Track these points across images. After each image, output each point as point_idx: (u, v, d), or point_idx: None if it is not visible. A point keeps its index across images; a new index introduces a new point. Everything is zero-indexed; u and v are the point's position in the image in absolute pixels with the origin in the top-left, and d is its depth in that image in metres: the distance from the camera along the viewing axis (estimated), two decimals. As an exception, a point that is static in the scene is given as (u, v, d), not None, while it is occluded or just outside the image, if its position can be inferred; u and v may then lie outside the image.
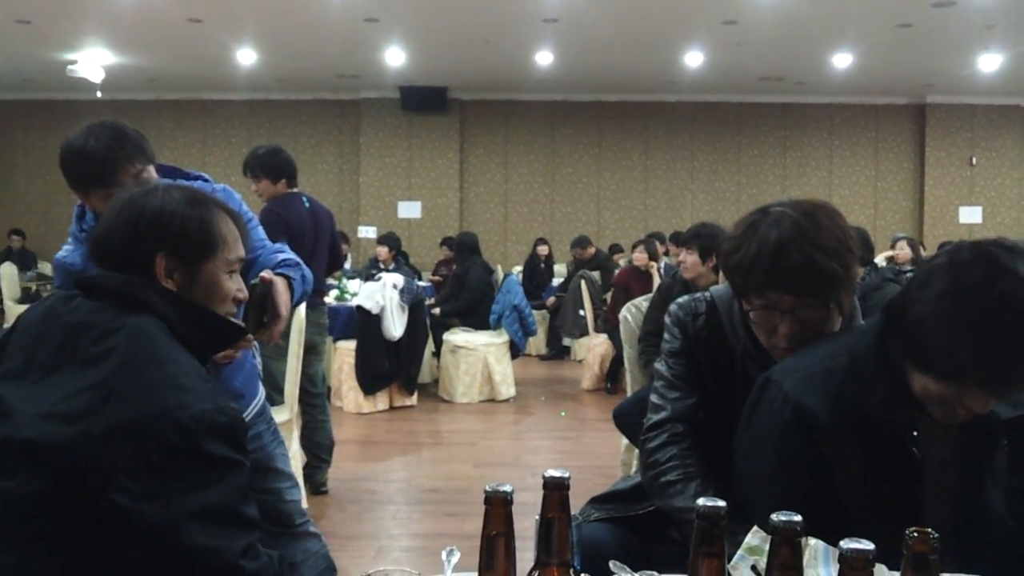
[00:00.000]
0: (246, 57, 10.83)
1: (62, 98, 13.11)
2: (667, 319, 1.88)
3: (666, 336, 1.88)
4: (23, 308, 8.59)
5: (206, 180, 2.40)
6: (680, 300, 1.89)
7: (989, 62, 10.75)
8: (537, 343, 10.04)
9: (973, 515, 1.44)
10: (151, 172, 2.26)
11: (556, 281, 10.91)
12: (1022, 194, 13.65)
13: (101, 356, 1.39)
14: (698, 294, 1.90)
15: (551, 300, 10.21)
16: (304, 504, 4.10)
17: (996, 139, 13.49)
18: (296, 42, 10.13)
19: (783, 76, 12.00)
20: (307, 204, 4.67)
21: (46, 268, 12.56)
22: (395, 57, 10.72)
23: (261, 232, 2.47)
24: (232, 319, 1.69)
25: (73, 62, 10.78)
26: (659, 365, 1.87)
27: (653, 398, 1.85)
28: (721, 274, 2.10)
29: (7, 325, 1.62)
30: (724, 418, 1.70)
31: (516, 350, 7.77)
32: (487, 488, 0.96)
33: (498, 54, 10.67)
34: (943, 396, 1.34)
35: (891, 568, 1.12)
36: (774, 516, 0.92)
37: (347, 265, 11.16)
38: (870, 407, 1.43)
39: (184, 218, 1.58)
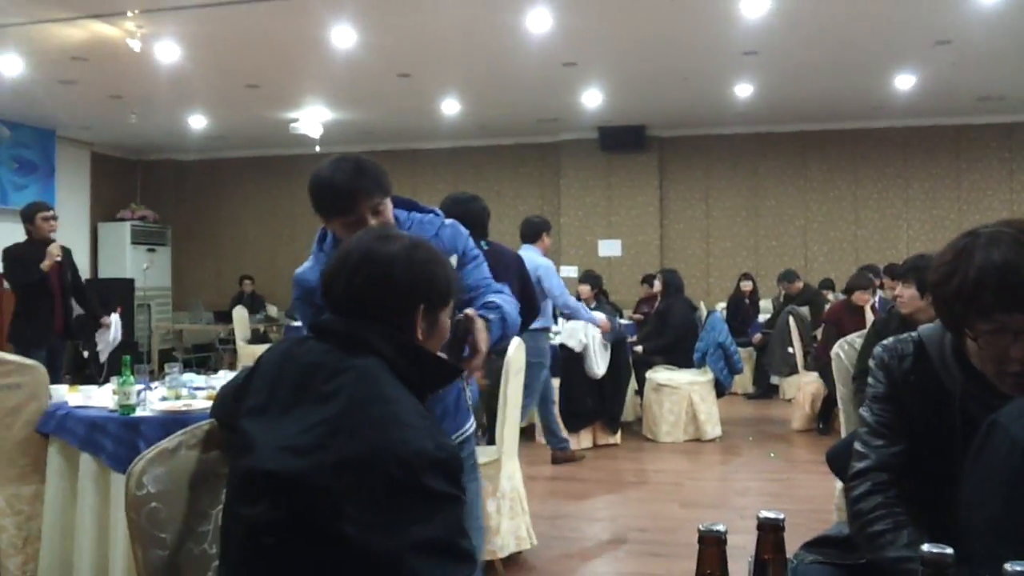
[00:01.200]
0: (450, 107, 11.34)
1: (285, 154, 14.22)
2: (871, 362, 1.80)
3: (870, 380, 1.79)
4: (254, 348, 9.24)
5: (437, 214, 2.56)
6: (885, 342, 1.80)
7: None
8: (743, 381, 9.80)
9: None
10: (387, 204, 2.42)
11: (762, 317, 10.61)
12: None
13: (331, 394, 1.51)
14: (904, 335, 1.81)
15: (758, 337, 9.95)
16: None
17: None
18: (497, 90, 10.51)
19: (1004, 95, 11.20)
20: (485, 246, 4.71)
21: (273, 311, 13.55)
22: (593, 99, 10.89)
23: (485, 270, 2.57)
24: (444, 357, 1.79)
25: (295, 120, 11.66)
26: (863, 411, 1.79)
27: (857, 445, 1.77)
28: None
29: (242, 364, 1.79)
30: (941, 465, 1.61)
31: (721, 388, 7.61)
32: (700, 527, 0.97)
33: (696, 90, 10.60)
34: None
35: None
36: (1008, 567, 0.88)
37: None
38: None
39: (436, 274, 1.71)
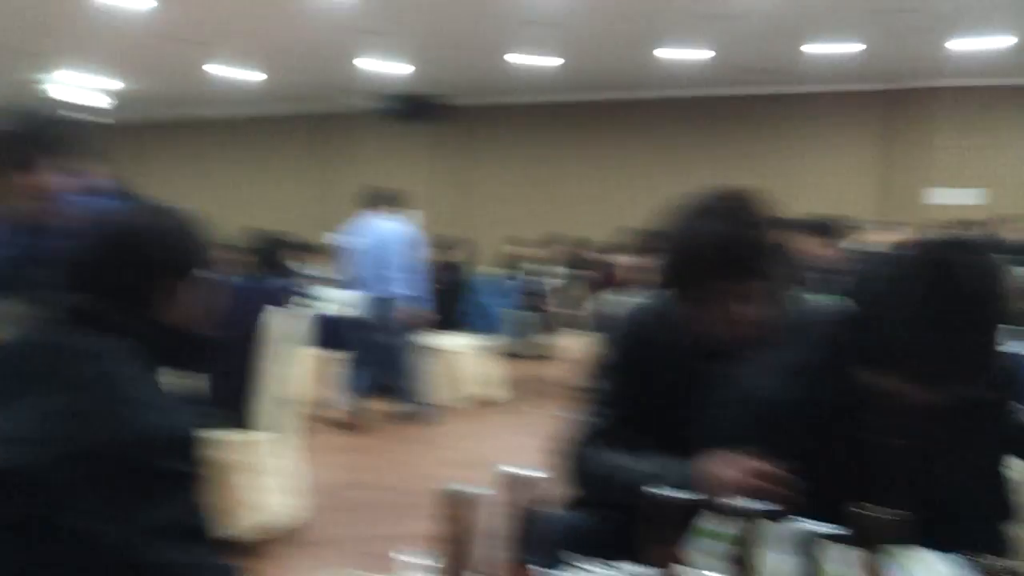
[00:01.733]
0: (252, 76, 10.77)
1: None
2: (600, 330, 1.87)
3: (601, 348, 1.84)
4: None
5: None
6: (614, 309, 1.86)
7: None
8: (526, 343, 9.97)
9: (931, 498, 1.46)
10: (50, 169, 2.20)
11: (552, 282, 10.82)
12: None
13: (63, 380, 1.40)
14: (631, 304, 1.87)
15: (545, 299, 10.14)
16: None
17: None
18: (283, 54, 10.08)
19: (767, 68, 11.93)
20: None
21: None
22: (390, 66, 10.64)
23: None
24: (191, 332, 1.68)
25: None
26: (593, 378, 1.83)
27: (582, 414, 1.80)
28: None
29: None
30: (674, 422, 1.68)
31: (509, 351, 7.74)
32: (446, 489, 0.97)
33: (494, 58, 10.58)
34: (901, 392, 1.38)
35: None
36: (741, 502, 0.94)
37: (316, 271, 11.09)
38: (838, 396, 1.46)
39: (177, 244, 1.59)
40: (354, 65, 10.65)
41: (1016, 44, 10.42)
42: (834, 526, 0.88)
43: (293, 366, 4.22)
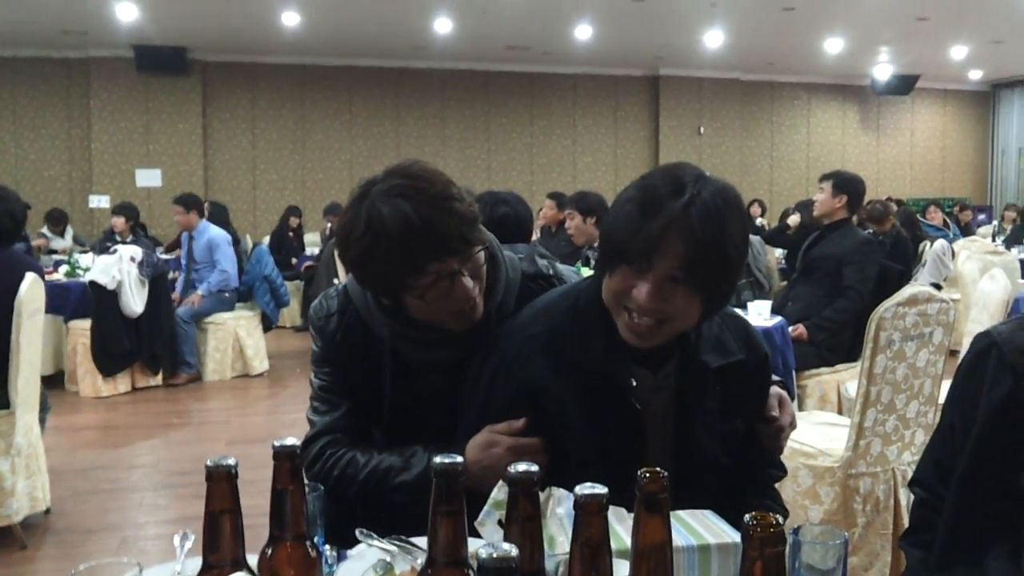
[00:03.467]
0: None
1: None
2: (310, 326, 1.77)
3: (312, 342, 1.77)
4: None
5: None
6: (316, 302, 1.75)
7: (713, 38, 11.56)
8: (291, 314, 9.76)
9: (690, 460, 1.52)
10: None
11: (311, 251, 10.63)
12: (743, 161, 14.86)
13: None
14: (332, 289, 1.76)
15: (308, 265, 9.91)
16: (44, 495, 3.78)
17: (720, 110, 14.58)
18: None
19: (529, 46, 12.30)
20: None
21: None
22: (127, 12, 9.91)
23: None
24: None
25: None
26: (311, 376, 1.76)
27: (308, 412, 1.74)
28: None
29: None
30: (380, 408, 1.67)
31: (269, 322, 7.52)
32: (208, 463, 0.89)
33: (241, 13, 10.16)
34: (619, 290, 1.40)
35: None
36: (511, 468, 0.92)
37: (68, 239, 10.32)
38: (589, 361, 1.47)
39: None
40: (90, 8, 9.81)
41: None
42: (605, 488, 0.88)
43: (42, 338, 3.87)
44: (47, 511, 3.98)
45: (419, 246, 1.46)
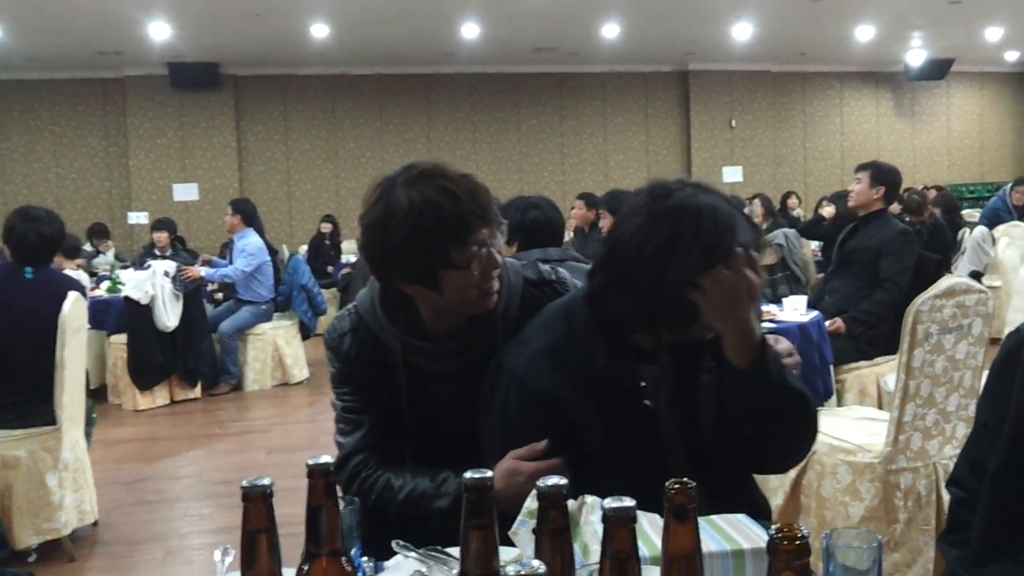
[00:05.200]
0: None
1: None
2: (326, 347, 1.80)
3: (329, 367, 1.80)
4: None
5: None
6: (329, 325, 1.79)
7: (741, 31, 11.47)
8: (328, 322, 9.80)
9: (700, 441, 1.54)
10: None
11: (347, 259, 10.70)
12: (776, 153, 14.74)
13: None
14: (343, 310, 1.79)
15: (345, 271, 9.96)
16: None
17: (751, 102, 14.46)
18: (46, 16, 9.31)
19: (557, 47, 12.30)
20: None
21: None
22: (159, 31, 10.07)
23: None
24: None
25: None
26: (332, 398, 1.79)
27: (335, 435, 1.77)
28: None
29: None
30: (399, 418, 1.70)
31: (307, 331, 7.59)
32: (243, 484, 0.91)
33: (271, 27, 10.28)
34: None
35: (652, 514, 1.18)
36: (539, 483, 0.93)
37: (110, 255, 10.48)
38: (595, 370, 1.49)
39: None
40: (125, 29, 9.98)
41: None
42: (633, 501, 0.89)
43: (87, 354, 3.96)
44: (95, 523, 4.05)
45: (466, 213, 1.53)
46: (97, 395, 6.57)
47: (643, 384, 1.50)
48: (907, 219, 7.71)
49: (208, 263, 7.74)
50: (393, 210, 1.53)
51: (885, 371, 4.36)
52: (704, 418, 1.54)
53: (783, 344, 1.64)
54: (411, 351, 1.68)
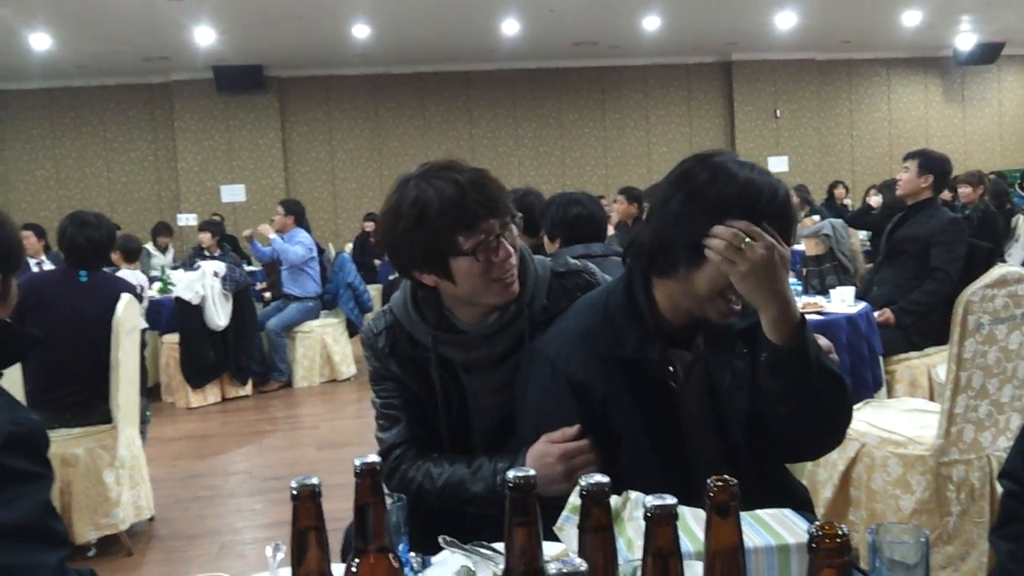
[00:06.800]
0: (40, 42, 10.10)
1: None
2: (363, 347, 1.87)
3: (368, 365, 1.86)
4: None
5: None
6: (364, 326, 1.88)
7: (785, 20, 11.34)
8: (375, 320, 9.91)
9: (733, 433, 1.55)
10: None
11: (391, 256, 10.74)
12: (822, 142, 14.54)
13: None
14: (379, 311, 1.85)
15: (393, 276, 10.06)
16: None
17: (796, 92, 14.28)
18: (93, 24, 9.52)
19: (597, 41, 12.26)
20: None
21: None
22: (204, 36, 10.25)
23: None
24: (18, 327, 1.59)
25: None
26: (372, 396, 1.85)
27: (375, 431, 1.83)
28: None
29: None
30: (437, 409, 1.75)
31: (354, 328, 7.67)
32: (292, 484, 0.93)
33: (313, 29, 10.39)
34: (721, 282, 1.45)
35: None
36: (582, 480, 0.94)
37: (169, 256, 10.69)
38: (626, 352, 1.53)
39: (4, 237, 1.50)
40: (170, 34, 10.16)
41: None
42: (674, 499, 0.89)
43: (141, 355, 4.05)
44: (151, 519, 4.15)
45: (470, 202, 1.57)
46: (151, 394, 6.70)
47: (671, 368, 1.53)
48: (958, 203, 7.58)
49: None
50: (403, 200, 1.62)
51: (936, 362, 4.29)
52: (736, 403, 1.55)
53: (822, 340, 1.63)
54: (442, 344, 1.73)
